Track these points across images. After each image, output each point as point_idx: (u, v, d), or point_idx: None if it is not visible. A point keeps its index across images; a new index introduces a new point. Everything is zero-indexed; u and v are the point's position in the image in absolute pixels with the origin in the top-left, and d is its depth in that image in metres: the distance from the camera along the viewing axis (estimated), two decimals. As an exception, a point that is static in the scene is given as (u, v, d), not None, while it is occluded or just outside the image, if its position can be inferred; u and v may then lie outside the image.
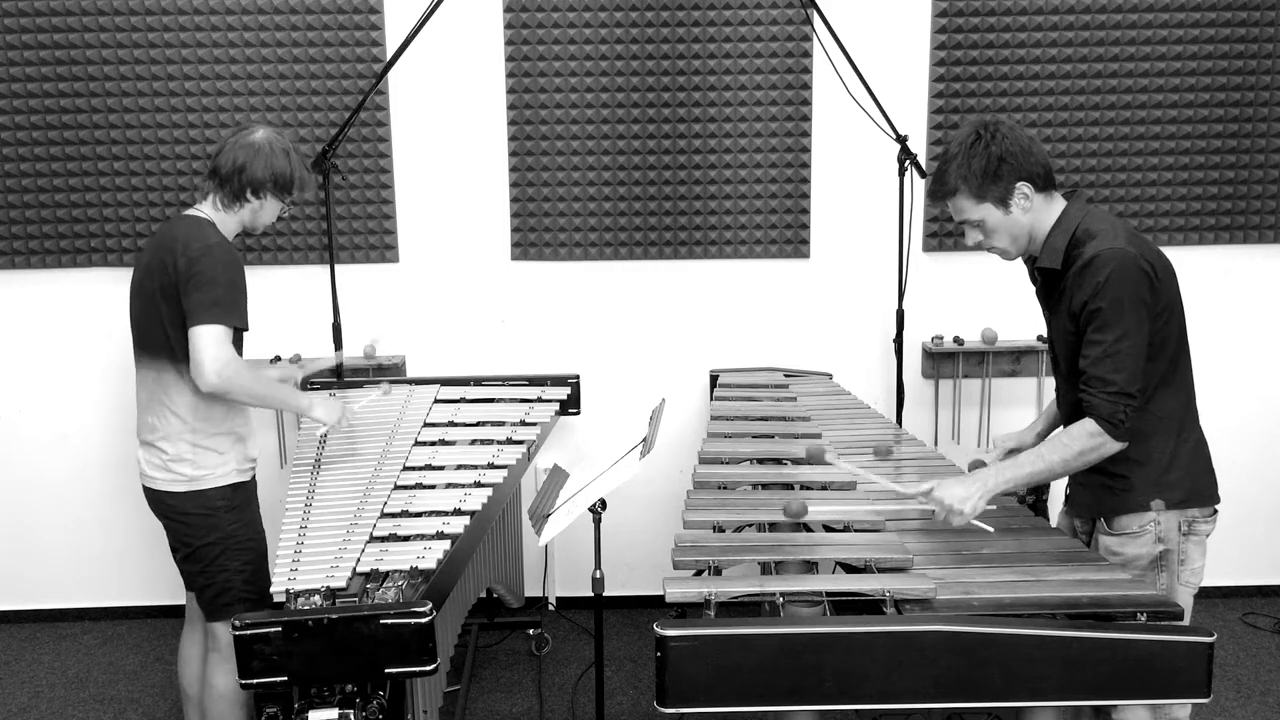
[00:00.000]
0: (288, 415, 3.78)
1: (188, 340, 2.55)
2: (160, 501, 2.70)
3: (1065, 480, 2.51)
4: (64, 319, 3.84)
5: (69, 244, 3.77)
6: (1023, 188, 2.30)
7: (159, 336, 2.63)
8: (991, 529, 2.32)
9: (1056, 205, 2.35)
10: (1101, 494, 2.37)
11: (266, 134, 2.69)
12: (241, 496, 2.73)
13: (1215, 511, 2.39)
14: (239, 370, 2.56)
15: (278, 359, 3.68)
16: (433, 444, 3.09)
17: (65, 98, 3.66)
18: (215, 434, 2.68)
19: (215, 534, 2.68)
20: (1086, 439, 2.24)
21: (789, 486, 2.68)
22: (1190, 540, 2.35)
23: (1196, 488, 2.36)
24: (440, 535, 2.53)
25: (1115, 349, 2.21)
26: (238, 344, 2.65)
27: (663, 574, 2.15)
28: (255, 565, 2.72)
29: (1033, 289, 2.53)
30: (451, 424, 3.25)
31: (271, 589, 2.33)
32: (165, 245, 2.60)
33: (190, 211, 2.70)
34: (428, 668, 2.16)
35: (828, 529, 2.46)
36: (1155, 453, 2.32)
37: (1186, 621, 2.13)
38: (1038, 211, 2.33)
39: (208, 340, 2.52)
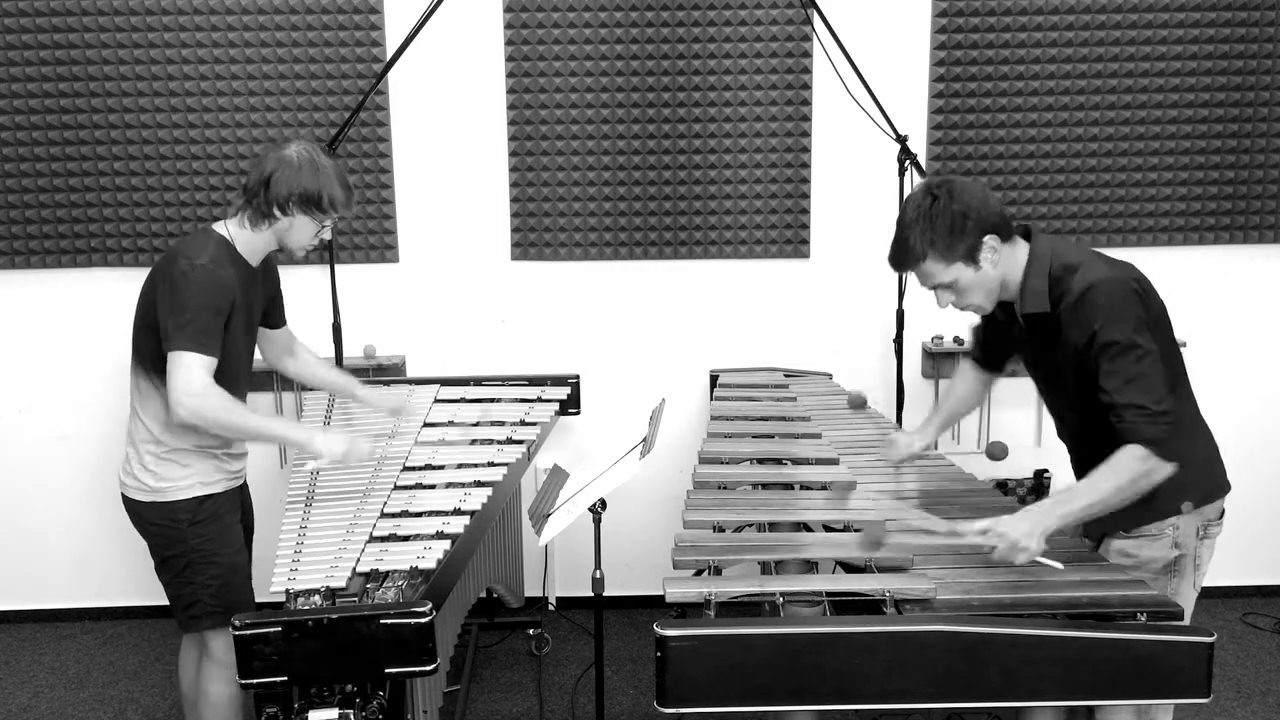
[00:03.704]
0: (288, 415, 3.77)
1: (160, 355, 2.50)
2: (130, 510, 2.67)
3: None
4: (64, 319, 3.84)
5: (69, 244, 3.77)
6: (990, 241, 2.24)
7: (139, 344, 2.60)
8: (1061, 565, 2.19)
9: (1021, 249, 2.31)
10: (1126, 509, 2.24)
11: (299, 147, 2.55)
12: (209, 510, 2.63)
13: (1223, 513, 2.38)
14: (210, 402, 2.45)
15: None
16: (433, 444, 3.09)
17: (65, 98, 3.66)
18: (180, 448, 2.60)
19: (179, 546, 2.62)
20: (1138, 464, 2.15)
21: (789, 486, 2.68)
22: (1204, 544, 2.35)
23: (1213, 477, 2.37)
24: (440, 535, 2.53)
25: (1136, 372, 2.16)
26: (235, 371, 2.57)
27: (663, 574, 2.15)
28: (224, 580, 2.64)
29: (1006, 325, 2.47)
30: (451, 424, 3.25)
31: (271, 588, 2.32)
32: (166, 256, 2.56)
33: (215, 225, 2.61)
34: (428, 668, 2.16)
35: (828, 529, 2.46)
36: (1178, 457, 2.26)
37: (1187, 621, 2.13)
38: (1005, 260, 2.28)
39: (179, 367, 2.43)
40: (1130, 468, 2.15)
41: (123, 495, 2.67)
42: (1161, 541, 2.31)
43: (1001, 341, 2.56)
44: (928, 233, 2.23)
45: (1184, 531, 2.31)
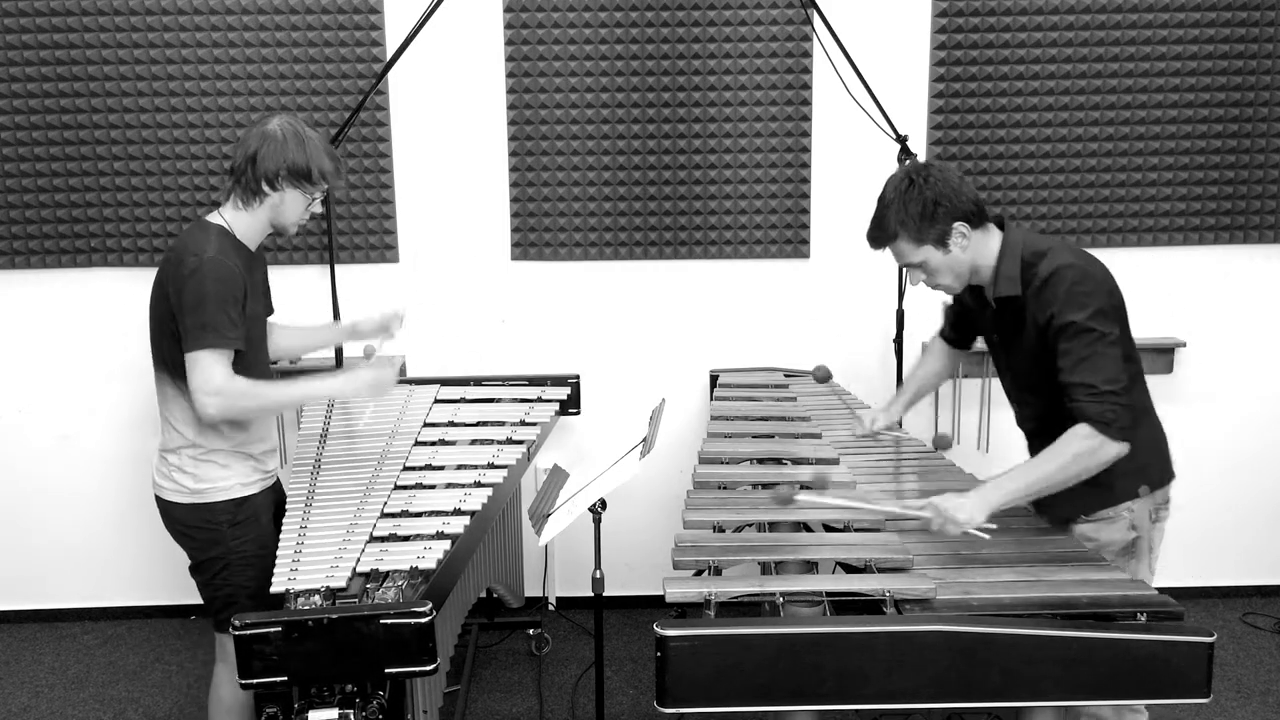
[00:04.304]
0: (288, 415, 3.77)
1: (184, 358, 2.50)
2: (165, 512, 2.65)
3: None
4: (64, 319, 3.84)
5: (69, 244, 3.77)
6: (960, 227, 2.36)
7: (160, 350, 2.58)
8: (987, 535, 2.29)
9: (994, 237, 2.42)
10: (1088, 493, 2.36)
11: (281, 121, 2.54)
12: (247, 511, 2.63)
13: (1169, 500, 2.51)
14: (232, 393, 2.45)
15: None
16: (433, 444, 3.09)
17: (65, 97, 3.66)
18: (217, 449, 2.59)
19: (217, 549, 2.61)
20: (1080, 441, 2.24)
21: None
22: (1156, 527, 2.48)
23: (1165, 463, 2.51)
24: (440, 535, 2.53)
25: (1089, 353, 2.25)
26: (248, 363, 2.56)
27: (663, 574, 2.15)
28: (261, 581, 2.56)
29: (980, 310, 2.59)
30: (451, 424, 3.25)
31: (271, 589, 2.32)
32: (170, 257, 2.53)
33: (209, 216, 2.59)
34: (428, 668, 2.16)
35: (828, 529, 2.46)
36: (1136, 443, 2.35)
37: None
38: (976, 246, 2.40)
39: (196, 367, 2.43)
40: (1072, 446, 2.24)
41: (157, 498, 2.65)
42: (1119, 525, 2.43)
43: (970, 320, 2.72)
44: (901, 214, 2.37)
45: (1139, 515, 2.43)
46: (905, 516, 2.37)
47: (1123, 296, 2.39)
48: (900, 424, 2.93)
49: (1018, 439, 3.11)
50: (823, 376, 2.82)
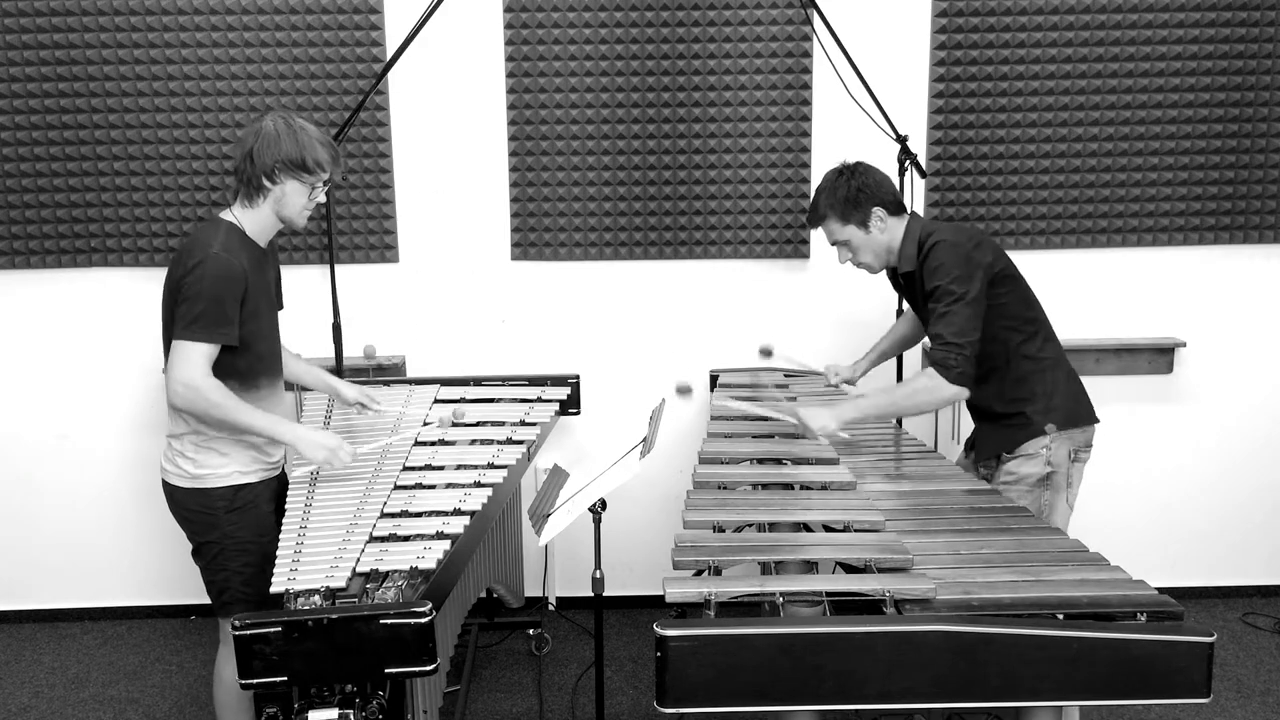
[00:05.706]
0: (288, 414, 3.76)
1: None
2: (169, 496, 2.74)
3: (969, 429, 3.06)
4: (64, 319, 3.84)
5: (69, 244, 3.77)
6: (878, 212, 2.87)
7: (167, 339, 2.66)
8: (825, 439, 2.85)
9: (904, 224, 2.92)
10: (1005, 433, 2.85)
11: (273, 117, 2.64)
12: (245, 498, 2.70)
13: (1091, 444, 2.88)
14: (202, 391, 2.52)
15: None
16: (433, 444, 3.09)
17: (65, 98, 3.66)
18: (220, 436, 2.67)
19: (214, 533, 2.69)
20: (921, 380, 2.75)
21: (789, 486, 2.68)
22: (1075, 466, 2.85)
23: (1076, 408, 2.87)
24: (440, 535, 2.53)
25: (945, 311, 2.71)
26: (245, 358, 2.64)
27: (663, 574, 2.15)
28: (257, 568, 2.68)
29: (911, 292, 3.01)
30: (452, 424, 3.24)
31: (271, 589, 2.32)
32: (180, 252, 2.63)
33: (222, 214, 2.69)
34: (428, 668, 2.16)
35: (828, 529, 2.46)
36: (1039, 389, 2.84)
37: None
38: (892, 231, 2.90)
39: (178, 355, 2.52)
40: (914, 383, 2.79)
41: (163, 481, 2.74)
42: (1037, 460, 2.82)
43: None
44: (830, 199, 2.89)
45: (1055, 452, 2.82)
46: (776, 418, 3.00)
47: (1002, 261, 2.80)
48: (855, 381, 3.41)
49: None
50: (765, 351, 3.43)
